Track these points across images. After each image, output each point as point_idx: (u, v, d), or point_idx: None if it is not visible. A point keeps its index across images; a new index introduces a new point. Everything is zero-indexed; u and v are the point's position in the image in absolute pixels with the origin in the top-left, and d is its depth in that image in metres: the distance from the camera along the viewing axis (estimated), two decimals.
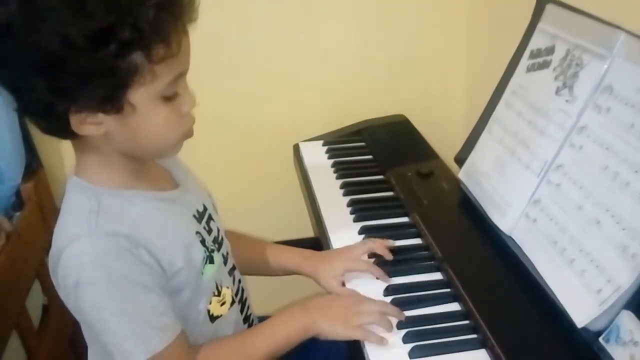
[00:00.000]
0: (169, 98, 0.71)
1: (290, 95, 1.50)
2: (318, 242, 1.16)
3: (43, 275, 1.41)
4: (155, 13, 0.64)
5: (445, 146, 1.32)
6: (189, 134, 0.77)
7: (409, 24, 1.45)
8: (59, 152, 1.49)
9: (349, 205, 1.14)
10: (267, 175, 1.52)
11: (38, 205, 1.42)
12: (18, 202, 1.39)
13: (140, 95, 0.69)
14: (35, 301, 1.35)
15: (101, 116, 0.69)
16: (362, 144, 1.39)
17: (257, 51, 1.41)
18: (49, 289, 1.44)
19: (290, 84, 1.48)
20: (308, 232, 1.30)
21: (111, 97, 0.67)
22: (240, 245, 0.99)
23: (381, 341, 0.81)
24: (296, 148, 1.42)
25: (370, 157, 1.32)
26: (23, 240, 1.28)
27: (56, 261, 0.73)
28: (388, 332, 0.82)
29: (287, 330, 0.84)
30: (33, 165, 1.44)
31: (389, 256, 0.96)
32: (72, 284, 0.72)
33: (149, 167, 0.82)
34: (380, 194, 1.18)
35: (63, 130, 0.71)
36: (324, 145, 1.39)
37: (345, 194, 1.18)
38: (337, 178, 1.24)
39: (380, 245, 0.97)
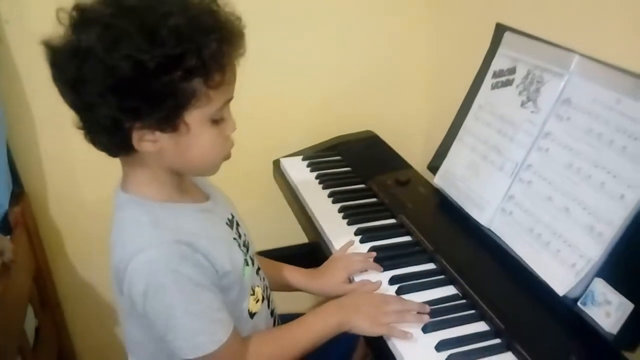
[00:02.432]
0: (216, 121, 0.80)
1: (265, 116, 1.61)
2: (312, 247, 1.27)
3: (33, 298, 1.44)
4: (216, 45, 0.73)
5: (409, 157, 1.48)
6: (228, 155, 0.86)
7: (374, 49, 1.61)
8: (42, 179, 1.51)
9: (340, 211, 1.26)
10: (249, 191, 1.61)
11: (26, 229, 1.45)
12: (5, 227, 1.41)
13: (195, 117, 0.77)
14: (29, 325, 1.37)
15: (158, 134, 0.77)
16: (339, 157, 1.52)
17: None
18: (39, 311, 1.46)
19: (264, 106, 1.59)
20: (296, 239, 1.40)
21: (171, 116, 0.76)
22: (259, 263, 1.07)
23: (405, 336, 0.90)
24: (277, 163, 1.53)
25: (348, 169, 1.46)
26: (18, 264, 1.31)
27: (123, 271, 0.80)
28: (417, 325, 0.92)
29: (324, 325, 0.93)
30: (16, 190, 1.46)
31: (377, 268, 1.06)
32: (142, 291, 0.79)
33: (185, 182, 0.90)
34: (366, 200, 1.31)
35: (123, 145, 0.78)
36: (303, 160, 1.51)
37: (334, 202, 1.30)
38: (324, 188, 1.36)
39: (366, 262, 1.07)
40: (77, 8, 0.73)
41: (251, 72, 1.48)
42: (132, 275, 0.79)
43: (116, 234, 0.83)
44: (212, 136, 0.81)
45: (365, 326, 0.93)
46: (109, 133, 0.77)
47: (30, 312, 1.39)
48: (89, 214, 1.56)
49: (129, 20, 0.70)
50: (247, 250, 0.96)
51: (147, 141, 0.78)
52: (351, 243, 1.13)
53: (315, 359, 0.95)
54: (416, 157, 1.53)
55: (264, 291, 0.99)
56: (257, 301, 0.95)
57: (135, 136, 0.77)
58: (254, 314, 0.94)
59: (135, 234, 0.81)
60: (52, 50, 0.74)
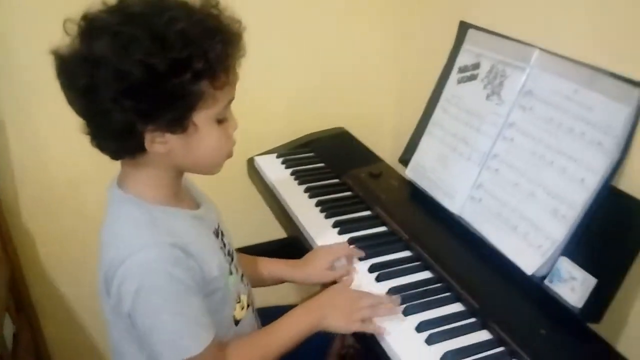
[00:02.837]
0: (221, 121, 0.84)
1: (238, 113, 1.63)
2: (291, 242, 1.31)
3: (9, 306, 1.43)
4: (221, 47, 0.77)
5: (379, 151, 1.54)
6: (231, 153, 0.89)
7: (342, 48, 1.65)
8: (13, 181, 1.50)
9: (317, 205, 1.31)
10: (224, 190, 1.64)
11: (0, 237, 1.44)
12: None
13: (202, 118, 0.80)
14: (7, 331, 1.36)
15: (168, 136, 0.79)
16: (312, 154, 1.56)
17: None
18: (16, 319, 1.46)
19: (238, 103, 1.62)
20: (274, 235, 1.44)
21: (181, 117, 0.78)
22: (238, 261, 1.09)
23: (379, 330, 0.93)
24: (251, 161, 1.56)
25: (322, 164, 1.50)
26: None
27: (115, 268, 0.81)
28: (391, 315, 0.96)
29: (300, 327, 0.95)
30: None
31: (359, 253, 1.11)
32: (133, 290, 0.80)
33: (181, 188, 0.92)
34: (342, 194, 1.36)
35: (133, 149, 0.80)
36: (277, 157, 1.55)
37: (310, 197, 1.34)
38: (300, 184, 1.40)
39: (347, 249, 1.12)
40: (85, 18, 0.75)
41: None
42: (125, 274, 0.80)
43: (111, 231, 0.85)
44: (218, 135, 0.84)
45: (340, 324, 0.96)
46: (122, 137, 0.79)
47: (7, 319, 1.38)
48: (61, 219, 1.56)
49: (136, 27, 0.73)
50: (232, 260, 0.98)
51: (158, 143, 0.80)
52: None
53: (294, 350, 0.97)
54: (387, 151, 1.59)
55: (248, 298, 1.01)
56: (243, 308, 0.98)
57: (148, 139, 0.79)
58: (239, 320, 0.96)
59: (133, 233, 0.82)
60: (61, 59, 0.75)
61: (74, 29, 0.75)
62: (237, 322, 0.96)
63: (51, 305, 1.65)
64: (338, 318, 0.96)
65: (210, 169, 0.89)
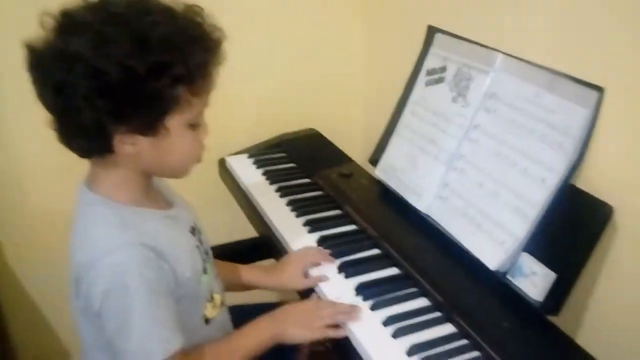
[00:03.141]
0: (193, 126, 0.84)
1: (210, 114, 1.64)
2: (262, 240, 1.32)
3: None
4: (202, 55, 0.78)
5: (350, 152, 1.56)
6: (200, 158, 0.89)
7: (313, 50, 1.68)
8: None
9: (288, 204, 1.32)
10: (194, 188, 1.64)
11: None
12: None
13: (175, 122, 0.81)
14: None
15: (138, 137, 0.79)
16: (284, 154, 1.57)
17: None
18: None
19: (209, 106, 1.63)
20: (246, 234, 1.45)
21: (154, 121, 0.79)
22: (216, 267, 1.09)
23: (339, 334, 0.95)
24: (222, 161, 1.57)
25: (293, 165, 1.52)
26: None
27: (87, 270, 0.80)
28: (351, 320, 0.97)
29: (259, 340, 0.96)
30: None
31: (329, 260, 1.12)
32: (102, 290, 0.79)
33: (152, 188, 0.92)
34: (313, 193, 1.38)
35: (102, 148, 0.80)
36: (249, 157, 1.56)
37: (282, 196, 1.36)
38: (271, 184, 1.42)
39: (319, 254, 1.13)
40: (65, 14, 0.75)
41: None
42: (96, 275, 0.80)
43: (80, 233, 0.84)
44: (189, 141, 0.84)
45: (300, 334, 0.97)
46: (91, 136, 0.78)
47: None
48: (30, 222, 1.54)
49: (118, 27, 0.73)
50: (208, 258, 0.98)
51: (127, 144, 0.80)
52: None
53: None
54: (357, 152, 1.61)
55: (221, 296, 1.01)
56: (215, 307, 0.98)
57: (117, 139, 0.79)
58: (210, 319, 0.96)
59: (104, 234, 0.82)
60: (35, 53, 0.75)
61: (50, 23, 0.75)
62: (207, 321, 0.96)
63: (19, 307, 1.63)
64: (298, 328, 0.97)
65: (177, 173, 0.90)
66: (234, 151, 1.62)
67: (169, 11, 0.77)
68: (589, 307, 1.01)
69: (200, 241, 0.97)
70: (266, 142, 1.66)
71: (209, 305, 0.96)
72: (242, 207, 1.43)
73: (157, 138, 0.81)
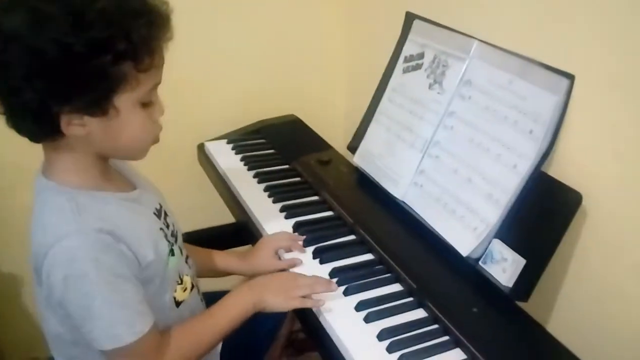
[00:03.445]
0: (145, 105, 0.82)
1: (189, 100, 1.63)
2: (239, 226, 1.32)
3: None
4: (145, 29, 0.75)
5: (330, 139, 1.56)
6: (157, 139, 0.87)
7: (294, 36, 1.67)
8: None
9: (265, 190, 1.32)
10: (172, 173, 1.64)
11: None
12: None
13: (124, 101, 0.78)
14: None
15: (86, 118, 0.77)
16: (263, 140, 1.57)
17: None
18: None
19: (189, 90, 1.62)
20: (223, 220, 1.45)
21: (100, 100, 0.76)
22: (189, 252, 1.07)
23: (317, 304, 0.96)
24: (201, 147, 1.57)
25: (273, 151, 1.52)
26: None
27: (42, 258, 0.79)
28: (328, 292, 0.98)
29: (240, 309, 0.95)
30: None
31: (300, 249, 1.12)
32: (60, 278, 0.78)
33: (111, 171, 0.90)
34: (291, 179, 1.38)
35: (49, 130, 0.77)
36: (228, 143, 1.56)
37: (259, 182, 1.36)
38: (249, 170, 1.42)
39: (290, 239, 1.13)
40: None
41: (176, 57, 1.52)
42: (52, 263, 0.78)
43: (36, 220, 0.83)
44: (141, 120, 0.82)
45: (278, 302, 0.97)
46: (36, 118, 0.76)
47: None
48: (15, 203, 1.53)
49: (55, 4, 0.70)
50: (176, 240, 0.97)
51: (76, 125, 0.77)
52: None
53: (244, 335, 0.99)
54: (337, 138, 1.61)
55: (192, 280, 1.00)
56: (185, 290, 0.97)
57: (64, 120, 0.76)
58: (181, 302, 0.95)
59: (57, 220, 0.80)
60: None
61: None
62: (178, 304, 0.95)
63: (3, 292, 1.62)
64: (276, 296, 0.97)
65: (134, 154, 0.88)
66: (213, 137, 1.61)
67: None
68: (558, 294, 1.03)
69: (167, 223, 0.95)
70: (246, 127, 1.65)
71: (178, 288, 0.95)
72: (219, 192, 1.43)
73: (107, 118, 0.78)
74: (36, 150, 0.85)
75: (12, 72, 0.72)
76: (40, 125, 0.78)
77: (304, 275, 1.03)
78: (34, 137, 0.81)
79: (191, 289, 0.99)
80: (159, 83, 0.84)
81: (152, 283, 0.88)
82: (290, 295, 0.97)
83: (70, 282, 0.78)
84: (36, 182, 0.85)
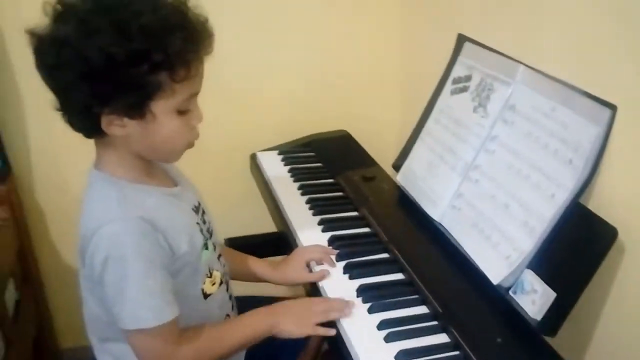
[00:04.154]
0: (182, 112, 0.88)
1: (244, 113, 1.70)
2: (280, 235, 1.35)
3: (15, 273, 1.51)
4: (181, 43, 0.81)
5: (380, 156, 1.57)
6: (191, 144, 0.93)
7: (351, 52, 1.70)
8: (28, 159, 1.60)
9: (307, 202, 1.35)
10: (226, 180, 1.71)
11: (11, 207, 1.53)
12: None
13: (161, 107, 0.85)
14: (9, 297, 1.44)
15: (126, 120, 0.85)
16: (312, 153, 1.60)
17: (212, 71, 1.60)
18: (21, 285, 1.54)
19: (244, 103, 1.69)
20: (268, 228, 1.49)
21: (137, 105, 0.83)
22: (225, 255, 1.12)
23: (328, 332, 0.98)
24: (253, 157, 1.62)
25: (320, 164, 1.54)
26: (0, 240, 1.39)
27: (88, 240, 0.87)
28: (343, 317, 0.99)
29: (255, 329, 0.99)
30: (4, 171, 1.54)
31: (331, 262, 1.13)
32: (102, 259, 0.85)
33: (155, 167, 0.98)
34: (333, 193, 1.40)
35: (93, 128, 0.86)
36: (279, 154, 1.60)
37: (303, 194, 1.39)
38: (295, 181, 1.45)
39: (323, 252, 1.15)
40: (60, 2, 0.81)
41: (236, 71, 1.59)
42: (95, 245, 0.86)
43: (85, 208, 0.91)
44: (176, 126, 0.88)
45: (292, 329, 1.00)
46: (81, 116, 0.85)
47: (11, 285, 1.47)
48: (71, 197, 1.63)
49: (103, 16, 0.78)
50: (210, 236, 1.02)
51: (116, 125, 0.85)
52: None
53: (269, 345, 1.02)
54: (387, 156, 1.62)
55: (222, 276, 1.05)
56: (214, 284, 1.02)
57: (104, 120, 0.84)
58: (209, 295, 1.00)
59: (103, 207, 0.88)
60: (35, 38, 0.82)
61: (51, 11, 0.81)
62: (206, 296, 1.00)
63: (59, 280, 1.74)
64: (290, 323, 1.00)
65: (167, 156, 0.94)
66: (268, 147, 1.66)
67: (154, 1, 0.81)
68: (590, 333, 0.99)
69: (203, 220, 1.01)
70: (298, 140, 1.69)
71: (207, 281, 1.00)
72: (265, 201, 1.47)
73: (145, 122, 0.85)
74: (85, 150, 0.93)
75: (64, 73, 0.81)
76: (84, 123, 0.87)
77: (322, 299, 1.05)
78: (83, 133, 0.90)
79: (220, 285, 1.03)
80: (196, 93, 0.89)
81: (183, 272, 0.94)
82: (304, 323, 1.00)
83: (109, 263, 0.85)
84: (89, 174, 0.93)
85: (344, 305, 1.01)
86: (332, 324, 1.00)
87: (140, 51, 0.79)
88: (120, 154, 0.91)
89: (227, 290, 1.08)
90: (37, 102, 1.56)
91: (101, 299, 0.91)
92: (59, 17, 0.81)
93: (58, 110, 0.87)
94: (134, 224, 0.86)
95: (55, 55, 0.80)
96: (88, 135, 0.90)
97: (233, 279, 1.13)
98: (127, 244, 0.86)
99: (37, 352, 1.61)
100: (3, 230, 1.42)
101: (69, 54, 0.79)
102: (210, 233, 1.03)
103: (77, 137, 0.89)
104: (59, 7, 0.81)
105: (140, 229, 0.86)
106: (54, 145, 1.58)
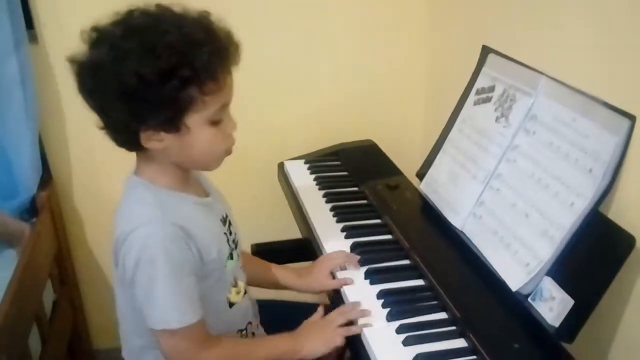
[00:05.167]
0: (215, 122, 0.92)
1: (275, 123, 1.75)
2: (305, 242, 1.39)
3: (53, 275, 1.58)
4: (207, 57, 0.85)
5: (405, 165, 1.59)
6: (229, 151, 0.97)
7: (377, 63, 1.74)
8: (68, 167, 1.67)
9: (331, 210, 1.38)
10: (254, 187, 1.75)
11: (50, 212, 1.60)
12: (32, 209, 1.57)
13: (194, 120, 0.89)
14: (46, 297, 1.51)
15: (163, 134, 0.89)
16: (338, 162, 1.64)
17: (241, 82, 1.66)
18: (58, 287, 1.61)
19: (276, 114, 1.74)
20: (292, 234, 1.52)
21: (172, 120, 0.88)
22: (249, 262, 1.18)
23: (352, 330, 1.02)
24: (281, 165, 1.66)
25: (345, 173, 1.58)
26: (40, 243, 1.45)
27: (122, 241, 0.91)
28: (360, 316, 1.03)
29: (276, 351, 1.03)
30: (44, 177, 1.62)
31: (356, 265, 1.16)
32: (134, 261, 0.90)
33: (190, 178, 1.02)
34: (357, 201, 1.43)
35: (134, 144, 0.91)
36: (305, 163, 1.64)
37: (327, 201, 1.42)
38: (320, 189, 1.48)
39: (347, 258, 1.18)
40: (94, 29, 0.87)
41: (265, 82, 1.64)
42: (129, 246, 0.90)
43: (122, 210, 0.95)
44: (211, 135, 0.92)
45: (319, 347, 1.04)
46: (122, 133, 0.90)
47: (49, 286, 1.54)
48: (107, 205, 1.70)
49: (133, 39, 0.83)
50: (235, 247, 1.06)
51: (154, 140, 0.90)
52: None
53: None
54: (412, 166, 1.64)
55: (245, 287, 1.09)
56: (239, 293, 1.06)
57: (143, 136, 0.89)
58: (234, 304, 1.05)
59: (139, 210, 0.93)
60: (75, 65, 0.87)
61: (87, 38, 0.87)
62: (231, 305, 1.04)
63: (94, 283, 1.81)
64: (317, 343, 1.04)
65: (206, 165, 0.99)
66: (296, 156, 1.70)
67: (179, 20, 0.86)
68: (609, 341, 0.99)
69: (230, 231, 1.05)
70: (325, 149, 1.73)
71: (233, 290, 1.04)
72: (291, 208, 1.51)
73: (180, 135, 0.89)
74: (122, 160, 0.98)
75: (102, 96, 0.87)
76: (126, 139, 0.92)
77: (339, 313, 1.07)
78: (127, 147, 0.95)
79: (244, 294, 1.07)
80: (227, 103, 0.93)
81: (211, 278, 0.98)
82: (327, 334, 1.03)
83: (140, 264, 0.90)
84: (128, 180, 0.98)
85: (357, 305, 1.04)
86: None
87: (168, 69, 0.83)
88: (158, 165, 0.96)
89: (249, 299, 1.12)
90: (78, 112, 1.66)
91: (131, 299, 0.95)
92: (94, 43, 0.86)
93: (101, 129, 0.92)
94: (168, 229, 0.90)
95: (93, 79, 0.85)
96: (130, 149, 0.95)
97: (255, 285, 1.17)
98: (159, 248, 0.89)
99: (71, 352, 1.67)
100: (43, 235, 1.49)
101: (105, 77, 0.84)
102: (235, 244, 1.07)
103: (114, 147, 0.94)
104: (94, 34, 0.86)
105: (173, 234, 0.90)
106: (93, 155, 1.66)
